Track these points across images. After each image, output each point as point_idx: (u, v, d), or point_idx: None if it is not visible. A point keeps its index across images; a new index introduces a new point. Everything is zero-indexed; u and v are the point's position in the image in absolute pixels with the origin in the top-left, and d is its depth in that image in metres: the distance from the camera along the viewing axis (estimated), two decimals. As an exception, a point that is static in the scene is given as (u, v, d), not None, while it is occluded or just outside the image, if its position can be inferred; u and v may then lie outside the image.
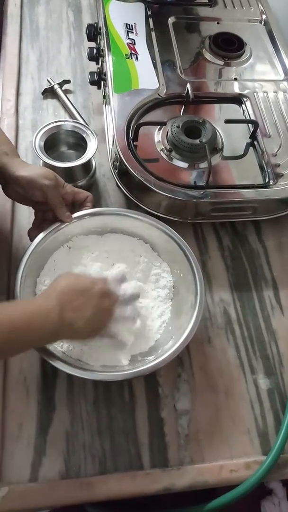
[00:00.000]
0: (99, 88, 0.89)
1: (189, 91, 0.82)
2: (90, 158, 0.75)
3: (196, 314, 0.58)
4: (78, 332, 0.54)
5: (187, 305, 0.61)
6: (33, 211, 0.67)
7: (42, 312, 0.51)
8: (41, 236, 0.63)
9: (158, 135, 0.80)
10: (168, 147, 0.78)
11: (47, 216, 0.66)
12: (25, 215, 0.75)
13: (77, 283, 0.56)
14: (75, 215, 0.66)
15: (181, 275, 0.65)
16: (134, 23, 0.92)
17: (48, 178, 0.61)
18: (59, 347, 0.59)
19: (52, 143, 0.77)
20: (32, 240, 0.63)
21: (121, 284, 0.59)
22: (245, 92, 0.86)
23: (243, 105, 0.86)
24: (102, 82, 0.87)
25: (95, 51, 0.89)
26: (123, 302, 0.58)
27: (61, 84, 0.91)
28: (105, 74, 0.84)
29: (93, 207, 0.67)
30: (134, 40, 0.89)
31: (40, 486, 0.56)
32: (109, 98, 0.81)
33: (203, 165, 0.77)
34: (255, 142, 0.81)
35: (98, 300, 0.55)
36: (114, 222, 0.68)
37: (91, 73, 0.87)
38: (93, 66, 0.91)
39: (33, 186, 0.61)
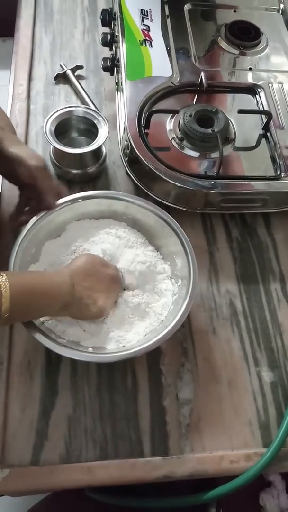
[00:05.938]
0: (112, 74, 0.88)
1: (203, 80, 0.81)
2: (101, 145, 0.74)
3: (189, 298, 0.58)
4: (87, 309, 0.56)
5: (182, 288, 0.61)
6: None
7: (56, 283, 0.53)
8: (33, 220, 0.62)
9: (170, 124, 0.79)
10: (179, 135, 0.77)
11: (29, 203, 0.65)
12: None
13: (91, 264, 0.58)
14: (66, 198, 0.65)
15: (175, 257, 0.65)
16: (150, 9, 0.90)
17: (36, 159, 0.61)
18: (62, 334, 0.59)
19: (63, 129, 0.77)
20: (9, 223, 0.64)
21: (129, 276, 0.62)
22: (259, 83, 0.85)
23: (257, 96, 0.85)
24: (115, 68, 0.86)
25: (109, 36, 0.88)
26: None
27: (73, 70, 0.90)
28: (118, 60, 0.84)
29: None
30: (149, 27, 0.87)
31: (41, 469, 0.56)
32: (121, 84, 0.80)
33: (214, 155, 0.76)
34: (268, 134, 0.80)
35: (108, 284, 0.58)
36: (110, 206, 0.67)
37: (104, 59, 0.86)
38: (106, 52, 0.91)
39: (21, 164, 0.60)
